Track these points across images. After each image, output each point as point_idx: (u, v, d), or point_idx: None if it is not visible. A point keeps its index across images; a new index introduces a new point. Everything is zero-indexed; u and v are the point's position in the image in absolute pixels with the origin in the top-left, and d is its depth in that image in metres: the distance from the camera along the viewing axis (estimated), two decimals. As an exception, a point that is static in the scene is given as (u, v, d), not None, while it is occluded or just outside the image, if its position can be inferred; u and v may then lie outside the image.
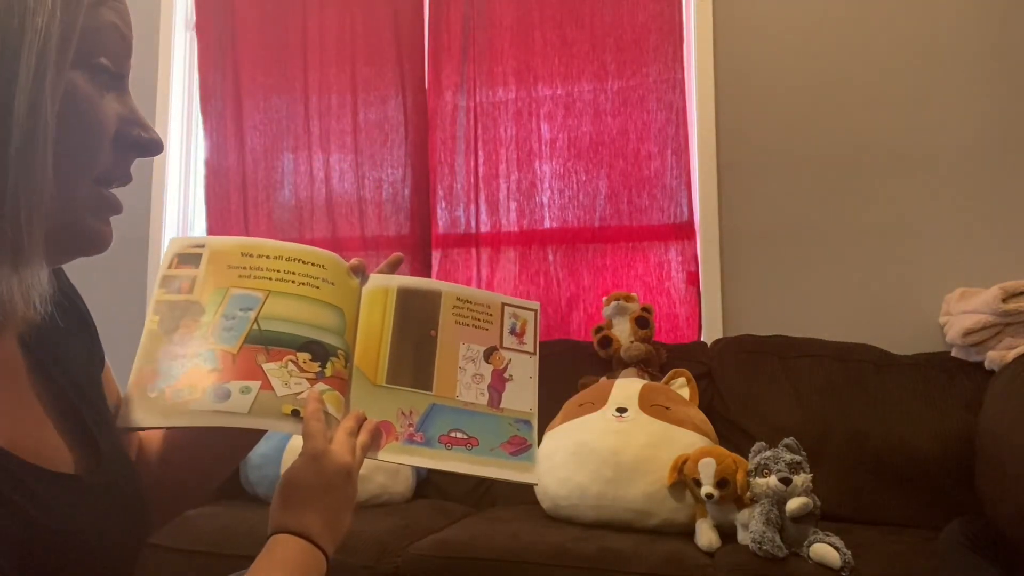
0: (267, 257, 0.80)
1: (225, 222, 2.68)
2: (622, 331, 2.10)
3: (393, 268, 0.90)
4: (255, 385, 0.73)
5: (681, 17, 2.37)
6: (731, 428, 1.92)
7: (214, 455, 0.82)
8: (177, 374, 0.72)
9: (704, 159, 2.32)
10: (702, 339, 2.27)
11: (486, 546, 1.51)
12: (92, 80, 0.53)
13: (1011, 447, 1.39)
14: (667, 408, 1.75)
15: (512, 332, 0.90)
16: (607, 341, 2.09)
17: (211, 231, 2.69)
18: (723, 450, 1.58)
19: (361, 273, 0.86)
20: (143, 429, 0.73)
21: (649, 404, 1.75)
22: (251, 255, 0.80)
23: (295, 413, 0.74)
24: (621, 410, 1.73)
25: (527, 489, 1.85)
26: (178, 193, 2.79)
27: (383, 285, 0.87)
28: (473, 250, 2.47)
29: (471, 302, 0.90)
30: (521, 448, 0.84)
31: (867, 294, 2.17)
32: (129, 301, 2.68)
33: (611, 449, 1.65)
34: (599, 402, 1.79)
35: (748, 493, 1.51)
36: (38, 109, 0.48)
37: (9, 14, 0.48)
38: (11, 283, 0.51)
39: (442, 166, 2.51)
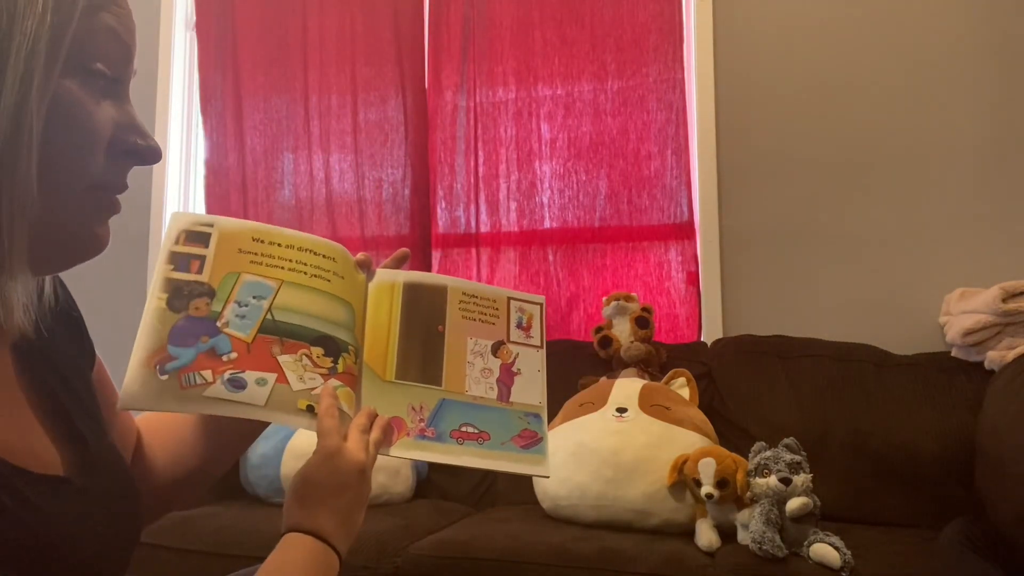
0: (279, 245, 0.78)
1: (225, 222, 2.67)
2: (622, 331, 2.10)
3: (399, 263, 0.89)
4: (271, 377, 0.72)
5: (681, 17, 2.37)
6: (731, 428, 1.92)
7: (214, 448, 0.81)
8: (189, 358, 0.70)
9: (704, 159, 2.32)
10: (702, 339, 2.27)
11: (486, 546, 1.51)
12: (86, 86, 0.52)
13: (1011, 447, 1.39)
14: (667, 408, 1.75)
15: (519, 326, 0.90)
16: (607, 341, 2.09)
17: (211, 231, 2.68)
18: (723, 450, 1.58)
19: (367, 268, 0.85)
20: (152, 411, 0.71)
21: (649, 404, 1.75)
22: (262, 241, 0.78)
23: (310, 409, 0.73)
24: (621, 410, 1.73)
25: (528, 488, 1.85)
26: (178, 193, 2.79)
27: (389, 280, 0.86)
28: (473, 250, 2.47)
29: (477, 296, 0.89)
30: (532, 441, 0.84)
31: (867, 294, 2.17)
32: (129, 300, 2.68)
33: (611, 449, 1.65)
34: (599, 402, 1.79)
35: (748, 493, 1.51)
36: (23, 114, 0.47)
37: None
38: None
39: (442, 166, 2.51)
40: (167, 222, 0.78)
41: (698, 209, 2.32)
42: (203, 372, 0.70)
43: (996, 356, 1.79)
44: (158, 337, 0.70)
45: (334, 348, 0.77)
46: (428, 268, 2.52)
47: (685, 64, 2.36)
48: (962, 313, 1.92)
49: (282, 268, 0.77)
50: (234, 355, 0.72)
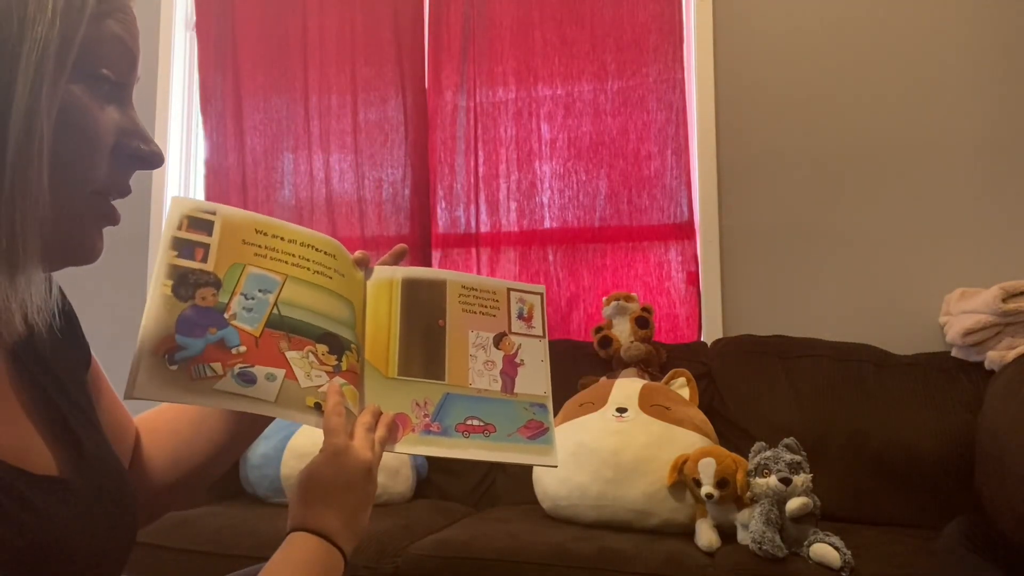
0: (282, 239, 0.78)
1: (225, 222, 2.68)
2: (622, 331, 2.10)
3: (397, 259, 0.89)
4: (280, 373, 0.72)
5: (681, 17, 2.37)
6: (731, 428, 1.92)
7: (213, 447, 0.80)
8: (198, 348, 0.69)
9: (704, 159, 2.32)
10: (702, 339, 2.27)
11: (486, 546, 1.51)
12: (92, 91, 0.53)
13: (1011, 447, 1.39)
14: (667, 408, 1.75)
15: (520, 317, 0.90)
16: (607, 341, 2.09)
17: (211, 231, 2.69)
18: (723, 450, 1.58)
19: (365, 266, 0.85)
20: (161, 402, 0.71)
21: (649, 404, 1.75)
22: (265, 234, 0.77)
23: (317, 407, 0.72)
24: (621, 410, 1.73)
25: (528, 488, 1.85)
26: (178, 193, 2.79)
27: (387, 277, 0.86)
28: (473, 250, 2.47)
29: (477, 289, 0.89)
30: (538, 432, 0.84)
31: (867, 294, 2.17)
32: (129, 300, 2.68)
33: (611, 449, 1.65)
34: (599, 402, 1.79)
35: (748, 493, 1.51)
36: (34, 119, 0.48)
37: (8, 23, 0.47)
38: (7, 294, 0.51)
39: (442, 166, 2.51)
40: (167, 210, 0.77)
41: (698, 209, 2.32)
42: (213, 364, 0.69)
43: (996, 356, 1.79)
44: (165, 325, 0.69)
45: (338, 346, 0.77)
46: (428, 267, 2.51)
47: (685, 64, 2.36)
48: (962, 313, 1.91)
49: (286, 263, 0.77)
50: (243, 348, 0.71)
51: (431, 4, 2.56)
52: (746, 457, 1.56)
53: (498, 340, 0.88)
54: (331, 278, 0.80)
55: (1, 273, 0.49)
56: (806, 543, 1.40)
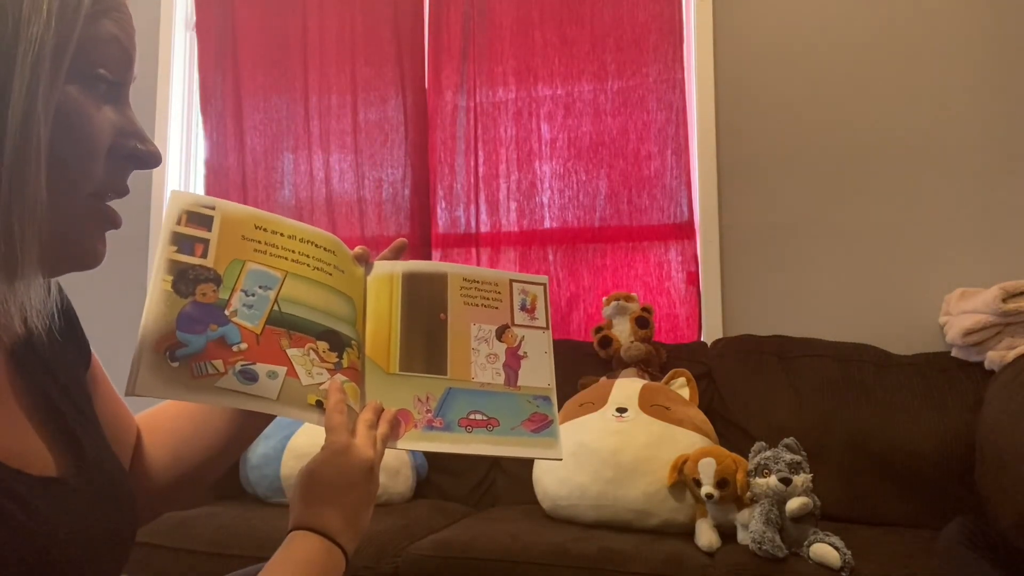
0: (281, 235, 0.77)
1: (225, 222, 2.68)
2: (622, 331, 2.10)
3: (397, 254, 0.88)
4: (281, 371, 0.71)
5: (681, 17, 2.37)
6: (731, 428, 1.92)
7: (214, 446, 0.80)
8: (200, 345, 0.68)
9: (704, 159, 2.32)
10: (702, 339, 2.27)
11: (486, 546, 1.51)
12: (89, 91, 0.52)
13: (1011, 447, 1.39)
14: (667, 408, 1.75)
15: (523, 308, 0.89)
16: (607, 341, 2.09)
17: (211, 231, 2.69)
18: (723, 450, 1.58)
19: (365, 262, 0.85)
20: (162, 399, 0.70)
21: (649, 404, 1.75)
22: (265, 229, 0.77)
23: (319, 404, 0.72)
24: (621, 410, 1.73)
25: (528, 488, 1.85)
26: (178, 193, 2.79)
27: (388, 272, 0.85)
28: (473, 250, 2.47)
29: (478, 281, 0.88)
30: (542, 425, 0.83)
31: (867, 294, 2.17)
32: (129, 300, 2.68)
33: (611, 449, 1.65)
34: (599, 402, 1.79)
35: (748, 493, 1.51)
36: (31, 121, 0.47)
37: (2, 24, 0.47)
38: (6, 298, 0.50)
39: (442, 166, 2.51)
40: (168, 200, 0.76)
41: (698, 209, 2.32)
42: (214, 362, 0.69)
43: (996, 356, 1.79)
44: (166, 321, 0.68)
45: (338, 343, 0.77)
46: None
47: (685, 64, 2.36)
48: (962, 313, 1.91)
49: (286, 259, 0.77)
50: (244, 346, 0.71)
51: (431, 4, 2.56)
52: (746, 457, 1.56)
53: (501, 333, 0.87)
54: (331, 274, 0.79)
55: (0, 279, 0.49)
56: (806, 543, 1.40)
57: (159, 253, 0.71)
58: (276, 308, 0.74)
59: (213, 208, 0.75)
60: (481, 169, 2.48)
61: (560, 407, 1.88)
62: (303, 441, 1.90)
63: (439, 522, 1.77)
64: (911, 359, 1.93)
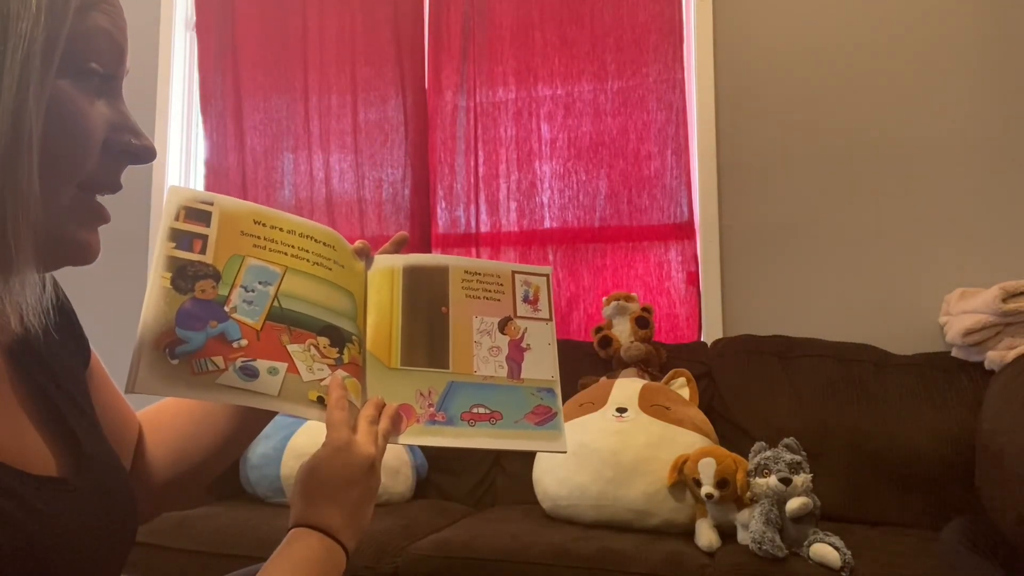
0: (280, 230, 0.77)
1: (225, 222, 2.68)
2: (622, 331, 2.10)
3: (398, 247, 0.87)
4: (282, 367, 0.71)
5: (681, 17, 2.37)
6: (731, 428, 1.92)
7: (216, 443, 0.79)
8: (200, 342, 0.68)
9: (704, 159, 2.32)
10: (702, 339, 2.27)
11: (486, 546, 1.51)
12: (81, 86, 0.52)
13: (1011, 447, 1.39)
14: (667, 408, 1.75)
15: (525, 300, 0.88)
16: (607, 341, 2.09)
17: (211, 231, 2.69)
18: (723, 450, 1.58)
19: (366, 256, 0.84)
20: (163, 396, 0.70)
21: (649, 404, 1.75)
22: (264, 224, 0.76)
23: (320, 400, 0.71)
24: (621, 410, 1.73)
25: (528, 488, 1.85)
26: (178, 193, 2.79)
27: (388, 265, 0.84)
28: (473, 250, 2.47)
29: (480, 274, 0.87)
30: (546, 417, 0.82)
31: (867, 294, 2.17)
32: (130, 298, 2.68)
33: (611, 449, 1.65)
34: (599, 402, 1.79)
35: (748, 493, 1.51)
36: (22, 116, 0.47)
37: None
38: (2, 295, 0.50)
39: (442, 166, 2.52)
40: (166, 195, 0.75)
41: (698, 209, 2.32)
42: (214, 358, 0.68)
43: (996, 356, 1.79)
44: (165, 318, 0.68)
45: (339, 338, 0.76)
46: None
47: (685, 64, 2.36)
48: (962, 313, 1.91)
49: (285, 254, 0.76)
50: (244, 342, 0.70)
51: (431, 4, 2.56)
52: (746, 457, 1.56)
53: (503, 325, 0.86)
54: (331, 269, 0.78)
55: None
56: (806, 543, 1.40)
57: (158, 249, 0.71)
58: (276, 304, 0.73)
59: (211, 203, 0.74)
60: (481, 169, 2.48)
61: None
62: (303, 441, 1.90)
63: (439, 522, 1.77)
64: (911, 359, 1.93)
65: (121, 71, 0.56)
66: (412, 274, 0.85)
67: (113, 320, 2.49)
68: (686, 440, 1.67)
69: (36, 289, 0.55)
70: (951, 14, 2.19)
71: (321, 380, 0.73)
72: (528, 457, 1.88)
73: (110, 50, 0.54)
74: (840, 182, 2.23)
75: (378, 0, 2.61)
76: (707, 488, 1.51)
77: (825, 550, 1.35)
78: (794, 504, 1.41)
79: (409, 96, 2.58)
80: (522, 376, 0.83)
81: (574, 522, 1.68)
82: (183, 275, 0.70)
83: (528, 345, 0.86)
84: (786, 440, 1.54)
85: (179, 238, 0.72)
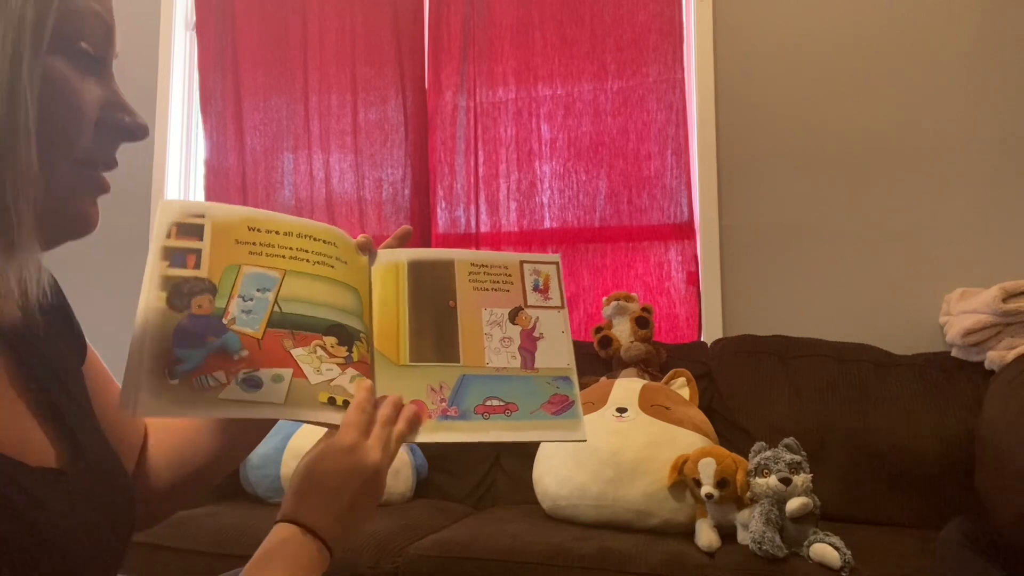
0: (277, 233, 0.75)
1: (225, 222, 2.68)
2: (622, 331, 2.10)
3: (401, 242, 0.85)
4: (287, 373, 0.69)
5: (681, 17, 2.37)
6: (731, 428, 1.92)
7: (221, 448, 0.79)
8: (199, 359, 0.66)
9: (704, 159, 2.32)
10: (702, 339, 2.27)
11: (486, 546, 1.51)
12: (72, 64, 0.53)
13: (1011, 447, 1.39)
14: (667, 408, 1.75)
15: (535, 289, 0.86)
16: (607, 341, 2.09)
17: (211, 231, 2.69)
18: (723, 450, 1.58)
19: (368, 250, 0.82)
20: (168, 418, 0.69)
21: (649, 404, 1.75)
22: (259, 229, 0.74)
23: (331, 401, 0.70)
24: (621, 410, 1.73)
25: (528, 488, 1.85)
26: (178, 193, 2.79)
27: (392, 261, 0.83)
28: (473, 250, 2.47)
29: (487, 265, 0.85)
30: (564, 406, 0.80)
31: (867, 294, 2.17)
32: (130, 300, 2.68)
33: (611, 449, 1.65)
34: (599, 402, 1.79)
35: (748, 493, 1.51)
36: (16, 92, 0.48)
37: None
38: (5, 269, 0.51)
39: (442, 166, 2.52)
40: (157, 212, 0.75)
41: (698, 209, 2.32)
42: (216, 374, 0.66)
43: (996, 356, 1.79)
44: (162, 339, 0.66)
45: (346, 336, 0.74)
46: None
47: (685, 64, 2.36)
48: (962, 313, 1.92)
49: (283, 257, 0.74)
50: (245, 353, 0.68)
51: (431, 4, 2.56)
52: (746, 457, 1.56)
53: (514, 315, 0.84)
54: (333, 267, 0.76)
55: None
56: (806, 543, 1.40)
57: (149, 270, 0.69)
58: (276, 309, 0.72)
59: (203, 216, 0.73)
60: (481, 169, 2.48)
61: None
62: (304, 441, 1.90)
63: (439, 522, 1.77)
64: (911, 359, 1.93)
65: (111, 50, 0.56)
66: (417, 268, 0.83)
67: (113, 320, 2.50)
68: (686, 440, 1.67)
69: (36, 272, 0.55)
70: (951, 14, 2.19)
71: (331, 380, 0.71)
72: (528, 458, 1.88)
73: (99, 30, 0.55)
74: (840, 182, 2.23)
75: (378, 0, 2.61)
76: (707, 488, 1.51)
77: (825, 550, 1.35)
78: (794, 504, 1.41)
79: (409, 96, 2.58)
80: (536, 365, 0.81)
81: (574, 522, 1.68)
82: (178, 293, 0.69)
83: (541, 334, 0.84)
84: (786, 440, 1.54)
85: (172, 256, 0.70)
